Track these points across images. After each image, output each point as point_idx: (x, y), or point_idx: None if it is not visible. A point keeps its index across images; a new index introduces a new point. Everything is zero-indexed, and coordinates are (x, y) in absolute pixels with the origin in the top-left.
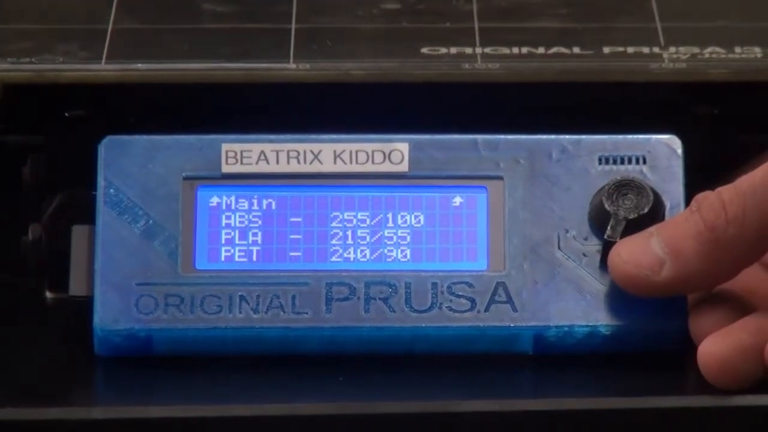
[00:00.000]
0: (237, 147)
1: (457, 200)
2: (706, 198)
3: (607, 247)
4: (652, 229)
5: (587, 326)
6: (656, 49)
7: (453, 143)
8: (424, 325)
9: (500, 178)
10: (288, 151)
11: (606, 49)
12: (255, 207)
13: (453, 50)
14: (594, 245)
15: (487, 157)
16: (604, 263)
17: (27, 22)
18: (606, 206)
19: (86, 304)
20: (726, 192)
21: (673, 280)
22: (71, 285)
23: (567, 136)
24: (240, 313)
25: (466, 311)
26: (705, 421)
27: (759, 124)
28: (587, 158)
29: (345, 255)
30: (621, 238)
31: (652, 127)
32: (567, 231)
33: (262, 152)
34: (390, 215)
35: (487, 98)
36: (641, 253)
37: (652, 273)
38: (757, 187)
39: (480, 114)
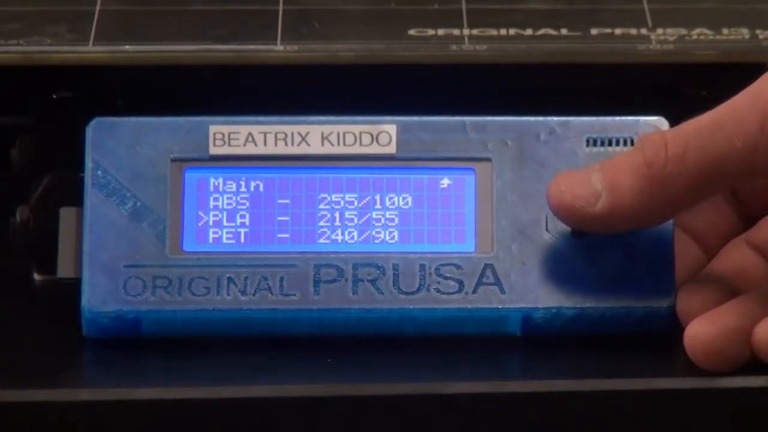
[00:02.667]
0: (225, 129)
1: (445, 182)
2: (651, 136)
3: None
4: (597, 164)
5: (575, 308)
6: (644, 31)
7: (441, 125)
8: (412, 306)
9: (488, 159)
10: (276, 133)
11: (594, 31)
12: (243, 189)
13: (441, 32)
14: None
15: (475, 138)
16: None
17: (15, 4)
18: None
19: (74, 286)
20: (670, 132)
21: (607, 213)
22: (59, 267)
23: (555, 118)
24: (228, 295)
25: (454, 293)
26: (693, 402)
27: None
28: (575, 140)
29: (333, 237)
30: None
31: (640, 108)
32: None
33: (250, 134)
34: (378, 197)
35: (474, 80)
36: (580, 185)
37: (587, 205)
38: (702, 130)
39: (468, 96)
